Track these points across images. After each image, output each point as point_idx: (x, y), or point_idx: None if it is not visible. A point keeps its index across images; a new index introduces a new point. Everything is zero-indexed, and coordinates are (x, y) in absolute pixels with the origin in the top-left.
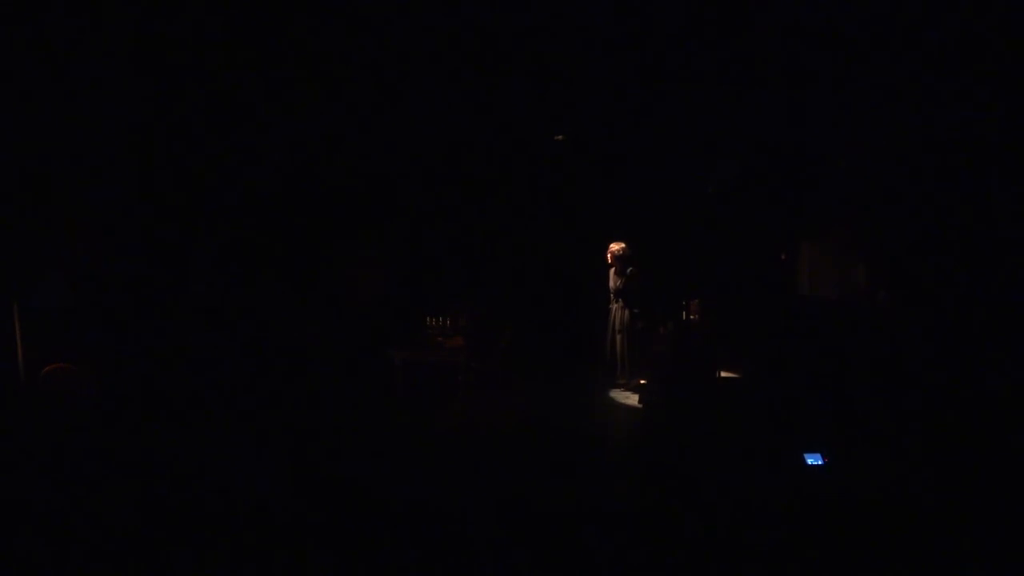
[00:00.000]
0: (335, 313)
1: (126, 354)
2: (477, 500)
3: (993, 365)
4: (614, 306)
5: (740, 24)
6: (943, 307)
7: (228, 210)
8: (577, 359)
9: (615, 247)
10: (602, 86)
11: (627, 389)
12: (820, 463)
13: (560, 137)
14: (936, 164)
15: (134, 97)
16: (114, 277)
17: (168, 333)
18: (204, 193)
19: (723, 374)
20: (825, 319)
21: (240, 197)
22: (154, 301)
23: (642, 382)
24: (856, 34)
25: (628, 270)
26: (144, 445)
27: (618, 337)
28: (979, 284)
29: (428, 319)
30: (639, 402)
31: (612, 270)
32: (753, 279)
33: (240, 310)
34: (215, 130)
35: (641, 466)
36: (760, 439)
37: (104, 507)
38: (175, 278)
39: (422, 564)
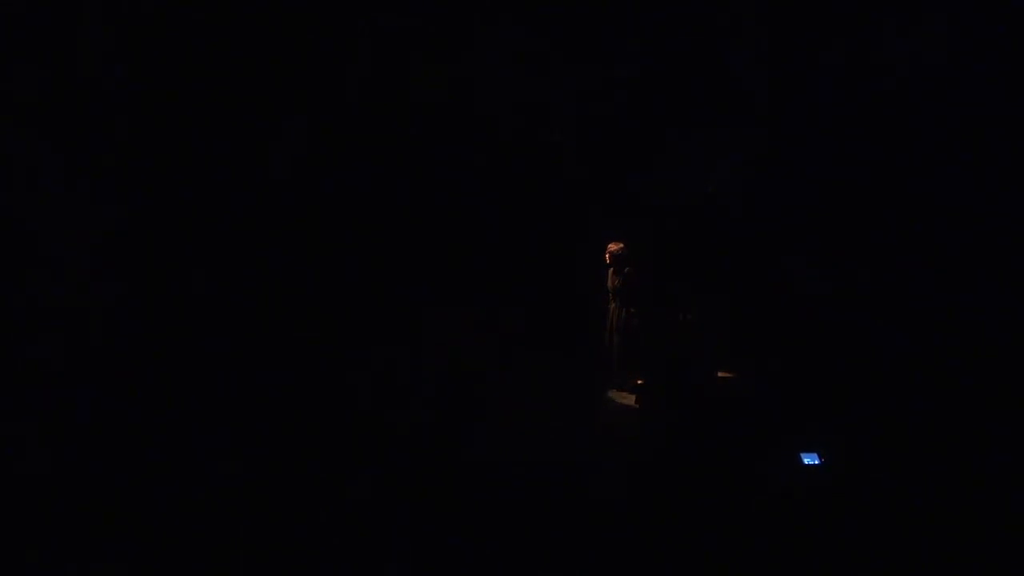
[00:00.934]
0: (333, 312)
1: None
2: (475, 500)
3: (991, 364)
4: (612, 306)
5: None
6: (941, 305)
7: (230, 210)
8: (575, 359)
9: (613, 247)
10: (601, 84)
11: (624, 389)
12: (817, 463)
13: (558, 136)
14: (934, 162)
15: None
16: (115, 277)
17: (168, 333)
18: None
19: (721, 374)
20: (823, 318)
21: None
22: (155, 301)
23: (639, 382)
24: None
25: (626, 270)
26: (145, 445)
27: (616, 337)
28: (975, 282)
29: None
30: (636, 402)
31: (611, 270)
32: (752, 279)
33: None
34: (220, 130)
35: (638, 466)
36: (757, 439)
37: (104, 507)
38: (176, 278)
39: (418, 563)
